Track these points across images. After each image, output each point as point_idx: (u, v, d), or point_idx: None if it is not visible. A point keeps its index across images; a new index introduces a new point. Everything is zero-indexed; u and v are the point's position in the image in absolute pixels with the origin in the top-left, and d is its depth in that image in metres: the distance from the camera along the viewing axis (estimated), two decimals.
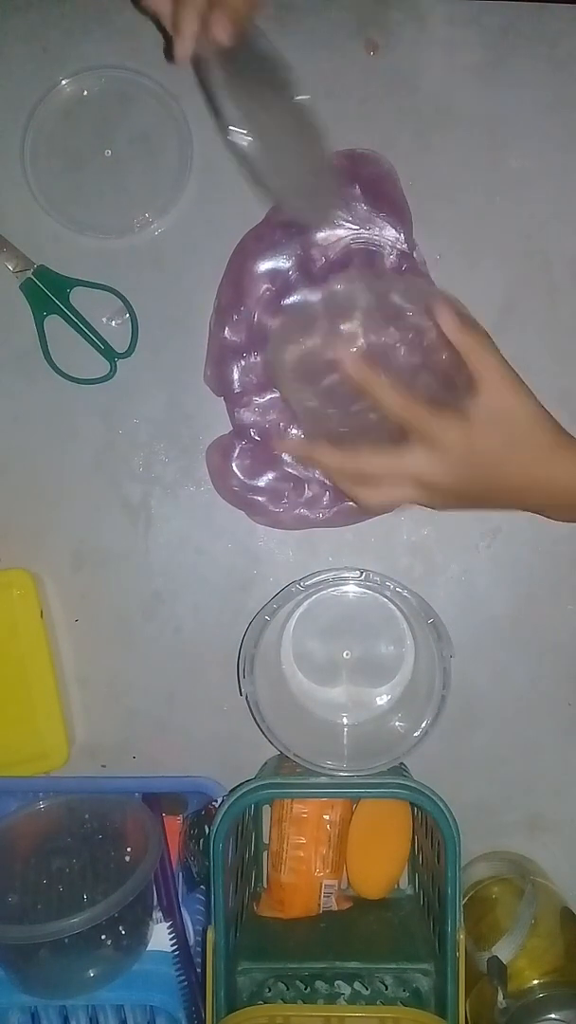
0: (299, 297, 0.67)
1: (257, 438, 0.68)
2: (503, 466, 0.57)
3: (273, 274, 0.67)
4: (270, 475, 0.69)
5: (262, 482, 0.69)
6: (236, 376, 0.68)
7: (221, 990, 0.61)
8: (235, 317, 0.68)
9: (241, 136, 0.58)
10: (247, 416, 0.68)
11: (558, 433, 0.58)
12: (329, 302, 0.62)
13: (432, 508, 0.61)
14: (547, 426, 0.58)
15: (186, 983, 0.64)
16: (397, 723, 0.68)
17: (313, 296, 0.67)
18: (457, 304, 0.59)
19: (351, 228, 0.67)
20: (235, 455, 0.69)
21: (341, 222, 0.67)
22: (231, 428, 0.70)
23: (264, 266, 0.67)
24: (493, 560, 0.72)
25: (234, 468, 0.69)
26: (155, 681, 0.72)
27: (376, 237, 0.67)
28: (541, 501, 0.60)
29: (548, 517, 0.63)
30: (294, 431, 0.68)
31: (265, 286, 0.67)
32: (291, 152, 0.62)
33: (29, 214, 0.69)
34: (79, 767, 0.71)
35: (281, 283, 0.67)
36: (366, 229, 0.67)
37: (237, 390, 0.68)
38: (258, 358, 0.68)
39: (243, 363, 0.68)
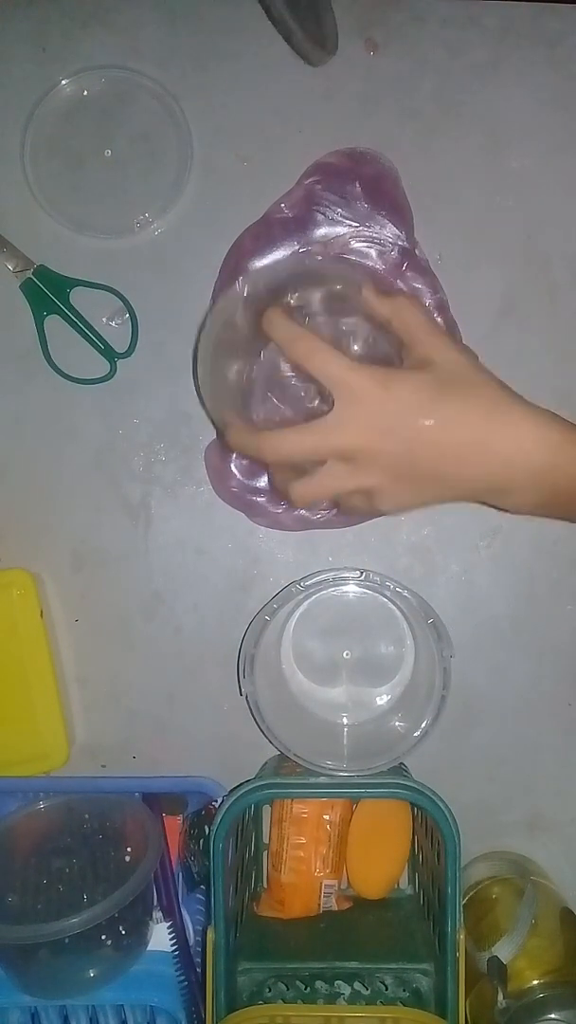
0: (298, 295, 0.67)
1: None
2: (425, 425, 0.49)
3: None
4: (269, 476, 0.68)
5: (261, 483, 0.69)
6: (232, 375, 0.68)
7: (221, 990, 0.61)
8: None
9: None
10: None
11: (497, 398, 0.50)
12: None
13: (375, 505, 0.53)
14: (481, 387, 0.50)
15: (186, 983, 0.64)
16: (397, 723, 0.68)
17: (313, 295, 0.67)
18: (377, 275, 0.55)
19: (351, 225, 0.67)
20: (233, 455, 0.69)
21: (341, 219, 0.67)
22: None
23: (261, 264, 0.67)
24: (493, 560, 0.72)
25: (232, 469, 0.69)
26: (155, 681, 0.72)
27: (376, 235, 0.67)
28: (483, 477, 0.50)
29: (501, 507, 0.53)
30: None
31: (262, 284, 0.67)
32: None
33: (29, 214, 0.69)
34: (79, 767, 0.71)
35: (279, 280, 0.67)
36: (367, 227, 0.67)
37: None
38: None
39: (239, 364, 0.68)
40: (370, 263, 0.67)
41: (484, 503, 0.53)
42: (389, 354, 0.58)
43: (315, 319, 0.66)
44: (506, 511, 0.53)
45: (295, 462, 0.53)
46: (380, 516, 0.63)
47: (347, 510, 0.56)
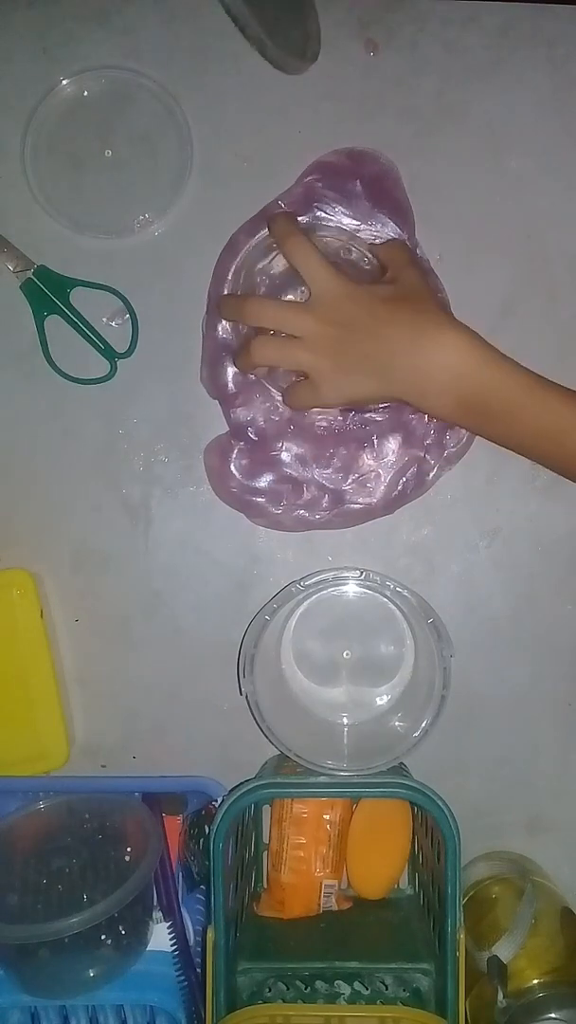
0: (296, 293, 0.67)
1: (254, 437, 0.68)
2: (372, 320, 0.59)
3: (267, 269, 0.67)
4: (269, 476, 0.68)
5: (261, 483, 0.69)
6: (230, 376, 0.68)
7: (221, 990, 0.61)
8: None
9: None
10: (243, 415, 0.68)
11: (432, 312, 0.60)
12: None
13: (317, 387, 0.61)
14: (425, 303, 0.61)
15: (186, 983, 0.64)
16: (397, 723, 0.68)
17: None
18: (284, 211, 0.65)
19: (353, 224, 0.67)
20: (233, 456, 0.68)
21: (341, 217, 0.67)
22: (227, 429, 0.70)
23: (258, 261, 0.67)
24: (493, 560, 0.72)
25: (232, 469, 0.68)
26: (155, 681, 0.72)
27: (377, 234, 0.67)
28: (409, 372, 0.60)
29: (426, 411, 0.62)
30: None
31: (259, 280, 0.67)
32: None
33: (29, 214, 0.69)
34: (79, 767, 0.71)
35: (277, 278, 0.67)
36: (367, 225, 0.67)
37: (232, 390, 0.68)
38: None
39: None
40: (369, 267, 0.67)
41: (409, 404, 0.61)
42: (373, 278, 0.65)
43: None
44: (432, 416, 0.63)
45: (267, 326, 0.62)
46: (319, 406, 0.65)
47: (292, 398, 0.64)
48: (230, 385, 0.68)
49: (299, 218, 0.67)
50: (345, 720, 0.71)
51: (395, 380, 0.60)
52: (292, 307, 0.62)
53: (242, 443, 0.68)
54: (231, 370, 0.68)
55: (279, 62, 0.67)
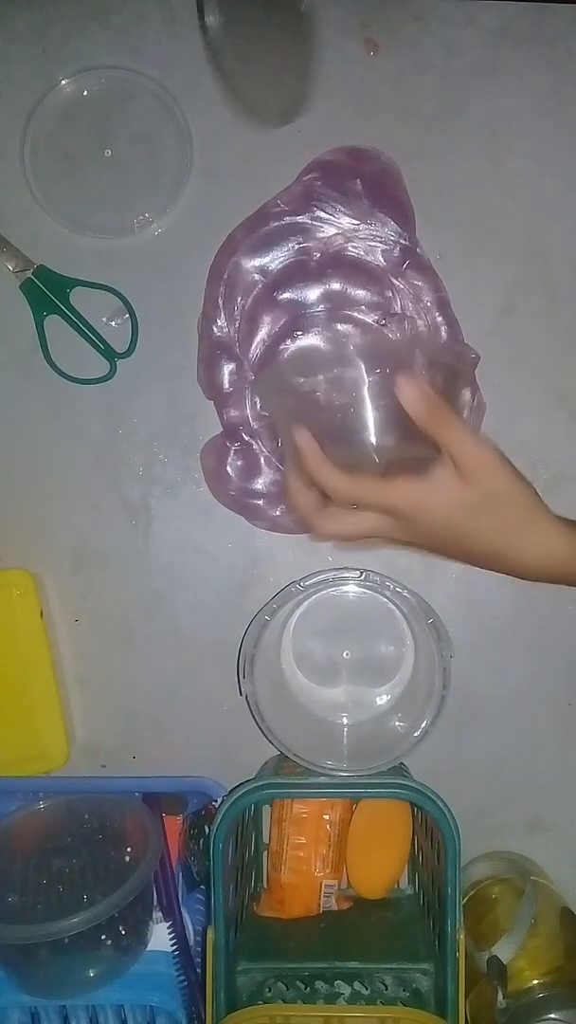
0: (294, 292, 0.66)
1: (247, 438, 0.68)
2: (468, 530, 0.55)
3: (264, 267, 0.67)
4: (266, 477, 0.68)
5: (259, 484, 0.68)
6: (226, 375, 0.68)
7: (221, 990, 0.61)
8: (222, 314, 0.67)
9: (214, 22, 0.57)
10: (235, 414, 0.68)
11: (525, 511, 0.55)
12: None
13: (391, 543, 0.56)
14: (514, 498, 0.55)
15: (186, 983, 0.64)
16: (397, 723, 0.68)
17: (311, 292, 0.66)
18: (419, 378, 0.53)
19: (352, 222, 0.67)
20: (230, 457, 0.68)
21: (341, 215, 0.67)
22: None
23: (255, 259, 0.67)
24: None
25: (228, 471, 0.68)
26: (155, 681, 0.72)
27: (378, 232, 0.67)
28: (504, 568, 0.57)
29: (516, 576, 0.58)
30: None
31: (256, 278, 0.67)
32: (266, 45, 0.62)
33: (29, 214, 0.69)
34: (79, 767, 0.71)
35: (275, 276, 0.67)
36: (367, 224, 0.67)
37: (228, 389, 0.68)
38: (249, 354, 0.67)
39: (232, 364, 0.68)
40: (371, 259, 0.67)
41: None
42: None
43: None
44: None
45: (360, 504, 0.55)
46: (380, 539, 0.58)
47: (363, 544, 0.59)
48: (226, 384, 0.68)
49: (298, 218, 0.67)
50: (345, 720, 0.71)
51: (488, 565, 0.57)
52: (388, 488, 0.53)
53: (237, 444, 0.68)
54: (227, 369, 0.67)
55: (260, 116, 0.66)
